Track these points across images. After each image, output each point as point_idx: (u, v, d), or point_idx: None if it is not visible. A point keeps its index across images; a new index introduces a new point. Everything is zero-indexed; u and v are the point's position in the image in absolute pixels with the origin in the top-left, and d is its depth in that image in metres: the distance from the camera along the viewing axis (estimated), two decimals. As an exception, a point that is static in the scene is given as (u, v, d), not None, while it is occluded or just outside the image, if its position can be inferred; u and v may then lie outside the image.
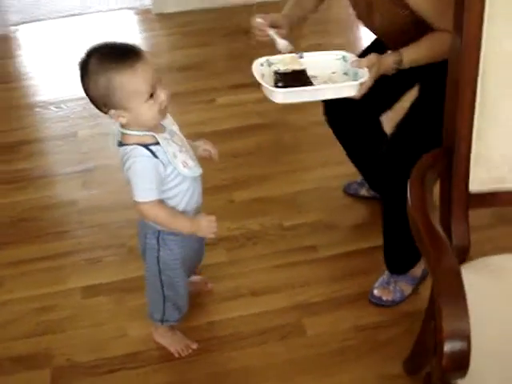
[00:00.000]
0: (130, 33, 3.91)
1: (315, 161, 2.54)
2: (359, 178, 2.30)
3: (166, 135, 1.50)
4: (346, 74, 1.62)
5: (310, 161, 2.55)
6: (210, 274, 2.03)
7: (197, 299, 1.95)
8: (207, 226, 1.55)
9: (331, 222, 2.24)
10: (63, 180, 2.57)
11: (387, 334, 1.81)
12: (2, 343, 1.86)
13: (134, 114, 1.41)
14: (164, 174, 1.48)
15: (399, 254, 1.88)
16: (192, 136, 2.75)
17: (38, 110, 3.06)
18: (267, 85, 1.50)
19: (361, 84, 1.51)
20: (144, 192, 1.47)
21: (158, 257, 1.61)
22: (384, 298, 1.89)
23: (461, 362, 0.99)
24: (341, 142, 2.16)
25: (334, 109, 2.03)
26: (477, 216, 2.14)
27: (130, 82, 1.37)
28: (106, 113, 1.44)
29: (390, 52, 1.63)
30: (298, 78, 1.55)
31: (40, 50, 3.74)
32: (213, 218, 1.57)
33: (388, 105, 1.95)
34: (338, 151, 2.53)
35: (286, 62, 1.60)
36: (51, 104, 3.08)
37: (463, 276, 1.30)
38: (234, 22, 3.81)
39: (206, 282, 2.00)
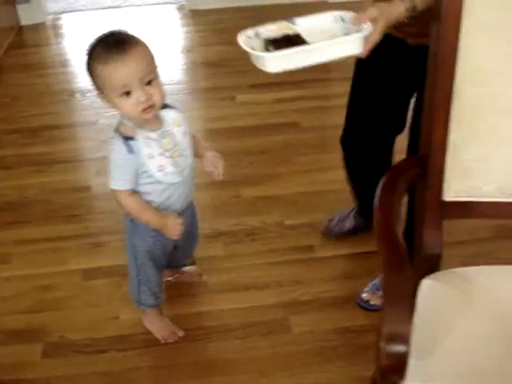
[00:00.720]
0: (164, 27, 4.00)
1: (322, 163, 2.57)
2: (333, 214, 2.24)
3: (151, 134, 1.52)
4: (347, 35, 1.38)
5: (318, 163, 2.58)
6: (206, 267, 2.08)
7: (189, 289, 2.01)
8: (172, 227, 1.58)
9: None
10: (79, 166, 2.67)
11: (369, 338, 1.81)
12: (1, 316, 1.96)
13: (113, 104, 1.47)
14: (140, 169, 1.52)
15: None
16: (208, 132, 2.86)
17: (65, 97, 3.18)
18: (252, 51, 1.31)
19: (365, 38, 1.33)
20: (115, 181, 1.54)
21: (132, 239, 1.68)
22: (372, 303, 1.91)
23: (398, 364, 1.02)
24: (348, 166, 2.09)
25: (353, 134, 1.98)
26: (476, 229, 2.19)
27: (102, 73, 1.43)
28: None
29: None
30: (291, 42, 1.35)
31: (76, 40, 3.87)
32: (179, 220, 1.59)
33: (402, 119, 1.87)
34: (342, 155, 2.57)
35: (275, 30, 1.41)
36: (77, 92, 3.19)
37: (431, 284, 1.34)
38: (264, 20, 3.84)
39: (201, 273, 2.05)
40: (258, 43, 1.37)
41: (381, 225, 1.18)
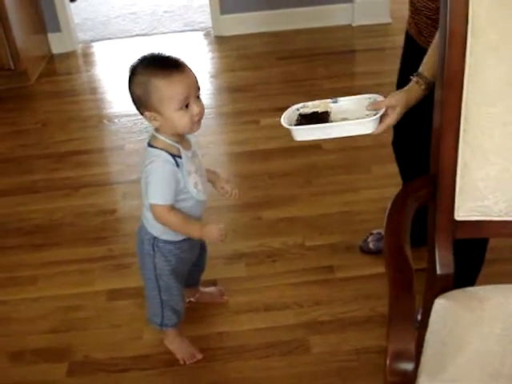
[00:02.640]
0: (191, 53, 4.08)
1: (343, 185, 2.59)
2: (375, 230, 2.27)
3: (188, 153, 1.61)
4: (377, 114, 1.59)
5: (339, 185, 2.60)
6: (227, 287, 2.11)
7: (210, 310, 2.05)
8: (216, 233, 1.63)
9: (351, 245, 2.28)
10: (106, 190, 2.73)
11: (388, 359, 1.83)
12: (28, 336, 2.02)
13: (166, 119, 1.52)
14: (180, 185, 1.59)
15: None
16: (232, 155, 2.91)
17: (93, 123, 3.26)
18: (285, 124, 1.56)
19: (380, 119, 1.51)
20: (161, 195, 1.57)
21: (154, 263, 1.71)
22: None
23: (405, 382, 1.03)
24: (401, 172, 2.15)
25: (402, 136, 2.05)
26: (498, 248, 2.18)
27: (163, 88, 1.49)
28: (141, 113, 1.57)
29: (411, 78, 1.58)
30: (316, 119, 1.59)
31: (105, 68, 3.97)
32: (222, 226, 1.64)
33: None
34: (366, 177, 2.59)
35: (315, 106, 1.65)
36: (105, 118, 3.28)
37: (444, 304, 1.35)
38: (287, 46, 3.93)
39: (222, 293, 2.09)
40: (295, 116, 1.61)
41: (389, 245, 1.19)
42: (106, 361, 1.91)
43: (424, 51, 1.64)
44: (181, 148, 1.58)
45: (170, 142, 1.57)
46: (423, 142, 1.92)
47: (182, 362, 1.87)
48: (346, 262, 2.21)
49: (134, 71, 1.52)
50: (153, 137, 1.60)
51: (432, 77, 1.51)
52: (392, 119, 1.53)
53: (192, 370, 1.85)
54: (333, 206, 2.49)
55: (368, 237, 2.25)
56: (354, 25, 4.12)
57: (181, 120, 1.52)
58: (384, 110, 1.51)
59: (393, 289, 1.11)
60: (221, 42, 4.16)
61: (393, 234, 1.22)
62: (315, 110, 1.62)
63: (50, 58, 4.10)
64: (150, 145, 1.60)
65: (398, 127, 2.00)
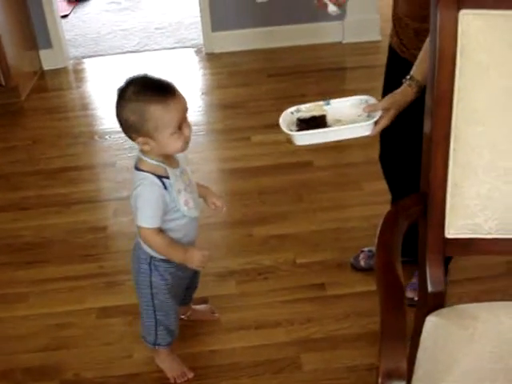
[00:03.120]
0: (183, 70, 4.10)
1: (335, 202, 2.60)
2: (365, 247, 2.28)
3: (176, 172, 1.61)
4: (369, 116, 1.67)
5: (331, 202, 2.61)
6: (218, 305, 2.11)
7: (201, 327, 2.04)
8: (199, 260, 1.64)
9: (343, 262, 2.28)
10: (97, 207, 2.73)
11: (380, 376, 1.82)
12: (17, 354, 2.00)
13: (159, 144, 1.52)
14: (168, 206, 1.59)
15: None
16: (223, 172, 2.91)
17: (84, 139, 3.25)
18: (286, 130, 1.62)
19: (375, 123, 1.59)
20: (147, 219, 1.58)
21: (150, 281, 1.71)
22: (416, 299, 1.88)
23: (397, 400, 1.03)
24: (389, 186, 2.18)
25: (387, 150, 2.09)
26: (489, 265, 2.19)
27: (161, 115, 1.48)
28: (132, 138, 1.55)
29: (404, 82, 1.64)
30: (315, 122, 1.66)
31: (96, 84, 3.97)
32: (206, 252, 1.65)
33: None
34: (357, 194, 2.61)
35: (310, 109, 1.71)
36: (96, 134, 3.28)
37: (435, 321, 1.35)
38: (278, 63, 3.95)
39: (213, 311, 2.08)
40: (295, 119, 1.68)
41: (380, 263, 1.20)
42: (97, 379, 1.90)
43: (406, 62, 1.70)
44: (168, 168, 1.58)
45: (156, 163, 1.57)
46: (410, 155, 1.94)
47: (172, 381, 1.86)
48: (337, 280, 2.21)
49: (125, 96, 1.50)
50: (139, 159, 1.59)
51: (423, 80, 1.55)
52: (386, 121, 1.60)
53: (183, 388, 1.85)
54: (324, 222, 2.49)
55: (359, 254, 2.25)
56: (344, 42, 4.15)
57: (175, 144, 1.53)
58: (381, 112, 1.59)
59: (384, 306, 1.11)
60: (212, 59, 4.18)
61: (384, 251, 1.23)
62: (312, 114, 1.68)
63: (41, 74, 4.10)
64: (136, 168, 1.59)
65: (385, 141, 2.07)
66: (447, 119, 1.29)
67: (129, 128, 1.53)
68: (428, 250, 1.38)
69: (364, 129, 1.60)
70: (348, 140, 1.79)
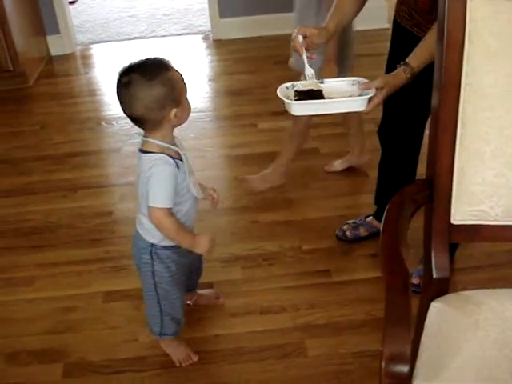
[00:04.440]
0: (190, 57, 4.09)
1: (341, 189, 2.61)
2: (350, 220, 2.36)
3: (185, 154, 1.63)
4: (361, 95, 1.72)
5: (336, 189, 2.61)
6: (223, 290, 2.12)
7: (207, 312, 2.05)
8: (206, 245, 1.65)
9: (348, 249, 2.29)
10: (103, 192, 2.74)
11: (384, 362, 1.83)
12: (23, 337, 2.01)
13: (182, 109, 1.56)
14: (181, 186, 1.60)
15: None
16: (229, 158, 2.91)
17: (91, 125, 3.27)
18: (284, 98, 1.66)
19: (369, 100, 1.65)
20: (162, 198, 1.56)
21: (152, 271, 1.71)
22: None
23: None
24: (382, 159, 2.24)
25: (387, 124, 2.14)
26: (493, 253, 2.19)
27: (179, 78, 1.55)
28: (161, 119, 1.53)
29: (398, 66, 1.71)
30: (313, 95, 1.70)
31: (103, 70, 3.98)
32: (213, 237, 1.67)
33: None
34: (362, 181, 2.60)
35: (306, 85, 1.75)
36: (103, 120, 3.29)
37: (439, 307, 1.35)
38: (285, 50, 3.90)
39: (218, 296, 2.09)
40: (291, 93, 1.72)
41: (385, 247, 1.20)
42: (102, 362, 1.91)
43: (417, 40, 1.73)
44: (180, 150, 1.60)
45: (166, 145, 1.57)
46: (408, 130, 2.05)
47: (177, 364, 1.87)
48: (342, 266, 2.22)
49: (144, 77, 1.49)
50: (146, 143, 1.59)
51: (417, 67, 1.67)
52: (379, 99, 1.67)
53: (187, 372, 1.85)
54: (329, 209, 2.50)
55: (343, 227, 2.32)
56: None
57: (189, 106, 1.59)
58: (375, 90, 1.65)
59: (389, 292, 1.11)
60: (219, 46, 4.17)
61: (389, 237, 1.23)
62: (310, 87, 1.73)
63: (49, 59, 4.10)
64: (144, 151, 1.58)
65: (387, 115, 2.12)
66: (454, 105, 1.29)
67: (164, 103, 1.51)
68: (433, 236, 1.38)
69: (359, 103, 1.67)
70: None
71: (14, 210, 2.63)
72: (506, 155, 1.31)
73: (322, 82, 1.75)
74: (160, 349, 1.91)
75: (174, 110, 1.54)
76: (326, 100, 1.68)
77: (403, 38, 1.92)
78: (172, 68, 1.55)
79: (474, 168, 1.33)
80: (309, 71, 1.77)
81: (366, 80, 1.72)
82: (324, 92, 1.71)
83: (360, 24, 4.11)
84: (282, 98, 1.65)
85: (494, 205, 1.34)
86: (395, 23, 1.98)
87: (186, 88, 1.57)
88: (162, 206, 1.57)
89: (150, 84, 1.50)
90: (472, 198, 1.35)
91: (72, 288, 2.20)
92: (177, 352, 1.88)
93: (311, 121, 2.54)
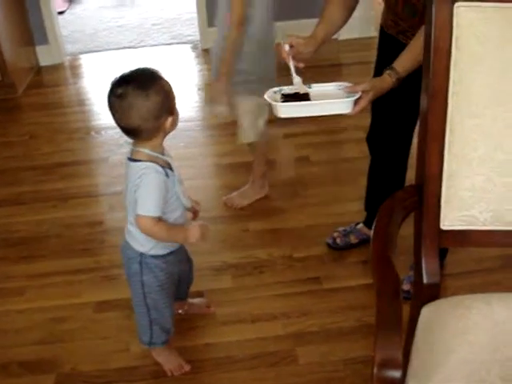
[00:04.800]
0: (179, 66, 4.10)
1: (331, 196, 2.62)
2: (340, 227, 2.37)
3: (174, 163, 1.62)
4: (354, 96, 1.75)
5: (326, 196, 2.62)
6: (214, 298, 2.12)
7: (197, 321, 2.04)
8: (199, 232, 1.65)
9: (339, 256, 2.29)
10: (92, 201, 2.73)
11: (375, 369, 1.83)
12: (14, 348, 2.00)
13: (175, 117, 1.58)
14: (169, 194, 1.60)
15: None
16: (218, 167, 2.92)
17: (80, 135, 3.26)
18: (271, 100, 1.69)
19: (354, 102, 1.67)
20: (151, 207, 1.56)
21: (141, 281, 1.71)
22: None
23: (391, 389, 1.04)
24: (371, 166, 2.25)
25: (376, 131, 2.16)
26: (483, 259, 2.20)
27: (170, 86, 1.56)
28: (158, 127, 1.54)
29: (385, 71, 1.73)
30: (299, 98, 1.73)
31: (92, 80, 3.98)
32: (204, 223, 1.68)
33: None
34: (352, 188, 2.61)
35: (293, 88, 1.77)
36: (92, 130, 3.29)
37: (430, 312, 1.36)
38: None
39: (209, 305, 2.08)
40: (278, 97, 1.75)
41: (376, 253, 1.21)
42: (94, 373, 1.90)
43: (402, 47, 1.75)
44: (169, 159, 1.60)
45: (155, 154, 1.57)
46: (397, 137, 2.06)
47: (169, 374, 1.86)
48: (332, 273, 2.22)
49: (140, 87, 1.49)
50: (136, 152, 1.58)
51: (403, 72, 1.70)
52: (365, 102, 1.68)
53: (179, 381, 1.85)
54: (319, 217, 2.50)
55: (333, 235, 2.33)
56: (340, 38, 4.16)
57: (178, 114, 1.60)
58: (360, 93, 1.67)
59: (379, 297, 1.12)
60: (208, 55, 4.17)
61: (380, 242, 1.23)
62: (297, 90, 1.75)
63: (38, 69, 4.10)
64: (133, 160, 1.58)
65: (375, 122, 2.14)
66: (443, 112, 1.30)
67: (160, 112, 1.52)
68: (423, 242, 1.39)
69: (345, 105, 1.67)
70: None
71: (4, 220, 2.62)
72: (495, 161, 1.32)
73: (309, 87, 1.77)
74: (151, 358, 1.90)
75: (170, 119, 1.55)
76: (312, 102, 1.71)
77: (389, 46, 1.95)
78: (161, 77, 1.56)
79: (462, 174, 1.34)
80: (297, 79, 1.78)
81: (350, 84, 1.74)
82: (311, 95, 1.74)
83: (348, 32, 4.18)
84: (269, 100, 1.68)
85: (483, 210, 1.35)
86: (381, 31, 2.00)
87: (175, 95, 1.59)
88: (150, 215, 1.57)
89: (146, 94, 1.50)
90: (461, 204, 1.36)
91: (62, 298, 2.19)
92: (168, 361, 1.88)
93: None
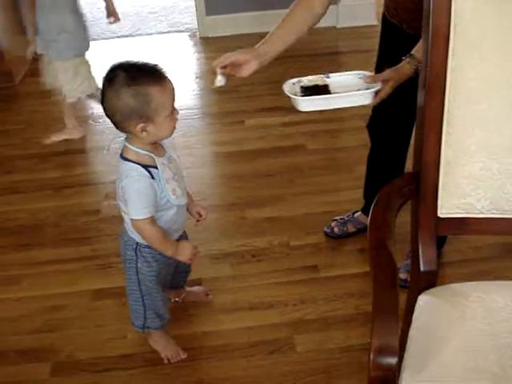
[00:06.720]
0: (177, 54, 4.08)
1: (328, 185, 2.61)
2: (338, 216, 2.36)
3: (164, 160, 1.59)
4: (367, 89, 1.70)
5: (323, 185, 2.61)
6: (212, 286, 2.12)
7: (195, 309, 2.04)
8: (190, 252, 1.67)
9: (337, 244, 2.29)
10: (90, 190, 2.73)
11: (372, 356, 1.83)
12: (11, 336, 2.00)
13: (157, 128, 1.50)
14: (159, 195, 1.57)
15: None
16: (217, 155, 2.91)
17: (77, 123, 3.23)
18: (291, 95, 1.65)
19: (375, 93, 1.64)
20: (140, 210, 1.56)
21: (136, 268, 1.71)
22: (409, 280, 1.87)
23: (388, 376, 1.04)
24: (371, 153, 2.25)
25: (377, 119, 2.14)
26: (481, 247, 2.20)
27: (161, 96, 1.48)
28: (127, 128, 1.52)
29: (403, 59, 1.69)
30: (319, 91, 1.70)
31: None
32: (196, 244, 1.69)
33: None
34: (349, 177, 2.61)
35: (312, 80, 1.75)
36: (90, 118, 3.27)
37: (427, 300, 1.36)
38: (273, 48, 3.92)
39: (207, 293, 2.08)
40: (298, 89, 1.70)
41: (373, 240, 1.20)
42: (90, 360, 1.90)
43: (406, 36, 1.72)
44: (155, 157, 1.55)
45: (143, 152, 1.54)
46: (397, 125, 2.05)
47: (166, 361, 1.86)
48: (330, 261, 2.22)
49: (120, 82, 1.45)
50: (125, 148, 1.57)
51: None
52: (384, 92, 1.65)
53: (177, 368, 1.85)
54: (317, 205, 2.50)
55: (331, 224, 2.32)
56: (338, 26, 4.14)
57: (169, 127, 1.53)
58: (380, 83, 1.64)
59: (376, 284, 1.11)
60: (206, 43, 4.16)
61: (377, 230, 1.23)
62: (316, 83, 1.72)
63: (35, 58, 4.07)
64: (122, 157, 1.57)
65: (376, 111, 2.11)
66: (441, 98, 1.29)
67: (129, 115, 1.47)
68: (420, 229, 1.39)
69: (365, 97, 1.65)
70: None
71: (1, 209, 2.61)
72: (491, 148, 1.32)
73: (327, 77, 1.74)
74: (148, 346, 1.90)
75: (141, 125, 1.48)
76: (332, 95, 1.67)
77: (392, 34, 1.93)
78: (161, 83, 1.49)
79: (460, 161, 1.34)
80: (219, 80, 1.76)
81: (371, 73, 1.72)
82: (330, 87, 1.71)
83: (347, 21, 4.16)
84: (289, 94, 1.64)
85: (481, 197, 1.35)
86: (384, 19, 1.98)
87: (168, 107, 1.50)
88: (141, 218, 1.57)
89: (124, 91, 1.45)
90: (458, 191, 1.36)
91: (59, 286, 2.18)
92: (165, 349, 1.88)
93: None
